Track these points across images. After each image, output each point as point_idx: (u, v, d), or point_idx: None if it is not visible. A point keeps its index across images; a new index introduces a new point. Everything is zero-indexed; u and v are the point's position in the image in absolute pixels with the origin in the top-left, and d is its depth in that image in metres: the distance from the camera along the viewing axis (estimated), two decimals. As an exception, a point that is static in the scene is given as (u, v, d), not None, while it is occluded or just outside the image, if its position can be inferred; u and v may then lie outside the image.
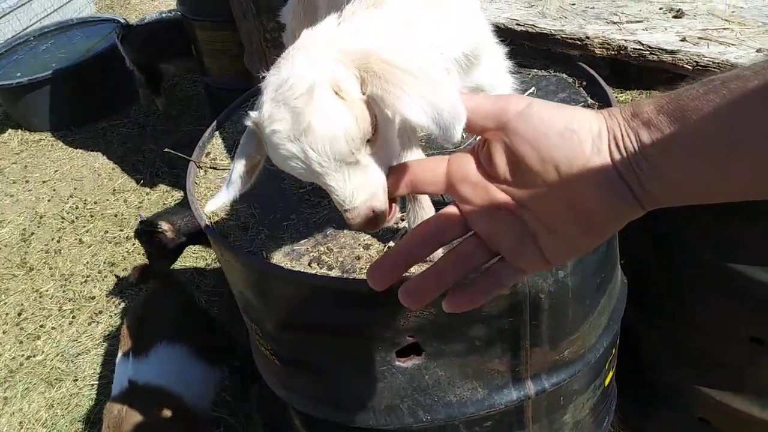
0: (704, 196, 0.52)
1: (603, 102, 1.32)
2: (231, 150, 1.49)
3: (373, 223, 0.72)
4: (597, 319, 1.29)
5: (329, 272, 1.12)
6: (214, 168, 1.45)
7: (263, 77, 0.76)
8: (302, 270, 1.13)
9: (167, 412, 1.85)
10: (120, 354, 2.07)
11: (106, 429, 1.82)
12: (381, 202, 0.71)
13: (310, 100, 0.68)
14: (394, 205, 0.72)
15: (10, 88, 4.26)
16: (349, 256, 1.14)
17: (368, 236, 1.18)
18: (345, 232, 1.20)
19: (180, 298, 2.24)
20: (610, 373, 1.49)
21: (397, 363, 1.19)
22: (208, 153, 1.49)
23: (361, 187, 0.71)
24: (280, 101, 0.70)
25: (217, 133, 1.56)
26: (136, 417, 1.80)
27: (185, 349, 2.04)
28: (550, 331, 1.19)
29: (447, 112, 0.61)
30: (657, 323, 1.71)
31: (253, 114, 0.76)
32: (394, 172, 0.67)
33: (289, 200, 1.30)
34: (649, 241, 1.71)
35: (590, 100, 1.34)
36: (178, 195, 3.51)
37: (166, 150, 1.46)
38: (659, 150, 0.51)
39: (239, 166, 0.81)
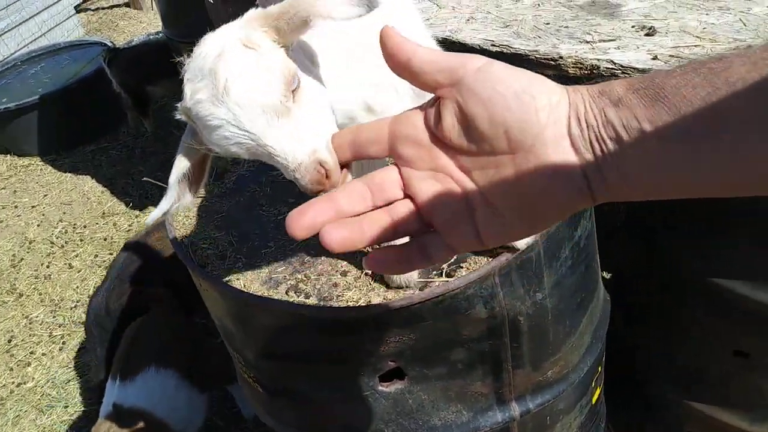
0: (666, 189, 0.48)
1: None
2: (211, 176, 1.49)
3: (322, 181, 0.67)
4: (579, 338, 1.29)
5: (307, 300, 1.11)
6: (199, 197, 1.44)
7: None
8: (280, 299, 1.12)
9: None
10: (109, 377, 2.06)
11: None
12: (326, 153, 0.66)
13: (222, 59, 0.68)
14: (345, 169, 0.67)
15: (-2, 114, 4.26)
16: (327, 283, 1.14)
17: (345, 263, 1.17)
18: (323, 259, 1.20)
19: (172, 321, 2.21)
20: (597, 391, 1.49)
21: (380, 388, 1.19)
22: (188, 181, 1.49)
23: (300, 140, 0.68)
24: (195, 75, 0.70)
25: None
26: None
27: (174, 374, 2.02)
28: (532, 352, 1.19)
29: None
30: (645, 337, 1.71)
31: (180, 104, 0.74)
32: (337, 137, 0.63)
33: (266, 228, 1.30)
34: (638, 254, 1.71)
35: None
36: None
37: (144, 179, 1.46)
38: (627, 130, 0.47)
39: (177, 169, 0.81)
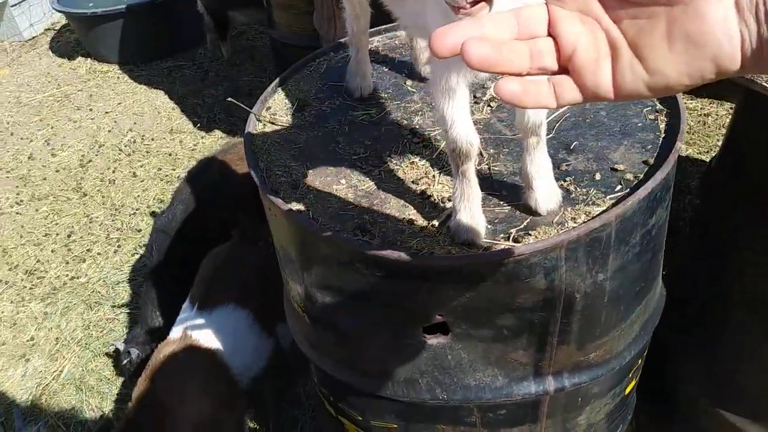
0: None
1: (672, 108, 1.29)
2: (292, 107, 1.51)
3: None
4: (629, 326, 1.28)
5: (372, 241, 1.14)
6: (273, 123, 1.47)
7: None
8: (346, 236, 1.15)
9: (210, 377, 1.87)
10: (189, 297, 2.08)
11: (148, 367, 1.88)
12: None
13: None
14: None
15: (84, 17, 4.37)
16: (393, 228, 1.16)
17: (413, 211, 1.19)
18: (391, 203, 1.21)
19: (260, 258, 2.15)
20: (633, 382, 1.48)
21: (423, 338, 1.22)
22: (269, 108, 1.52)
23: None
24: None
25: (279, 88, 1.59)
26: (176, 371, 1.84)
27: (249, 315, 2.02)
28: (580, 331, 1.19)
29: None
30: (690, 339, 1.69)
31: None
32: None
33: (341, 165, 1.32)
34: (700, 257, 1.68)
35: (659, 105, 1.31)
36: (232, 142, 3.57)
37: (228, 99, 1.49)
38: None
39: None
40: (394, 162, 1.32)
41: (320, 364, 1.41)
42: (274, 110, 1.51)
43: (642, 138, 1.24)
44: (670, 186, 1.21)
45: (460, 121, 1.08)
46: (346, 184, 1.28)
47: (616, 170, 1.18)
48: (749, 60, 0.51)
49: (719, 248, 1.58)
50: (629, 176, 1.16)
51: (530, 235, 1.08)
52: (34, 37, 5.19)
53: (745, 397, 1.53)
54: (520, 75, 0.56)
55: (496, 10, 0.66)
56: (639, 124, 1.27)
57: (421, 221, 1.17)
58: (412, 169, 1.30)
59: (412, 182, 1.26)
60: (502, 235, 1.10)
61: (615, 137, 1.25)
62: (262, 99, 1.51)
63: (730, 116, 2.33)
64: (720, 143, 2.98)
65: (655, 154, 1.19)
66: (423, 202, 1.21)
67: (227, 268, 2.11)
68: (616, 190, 1.14)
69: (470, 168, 1.11)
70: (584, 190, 1.15)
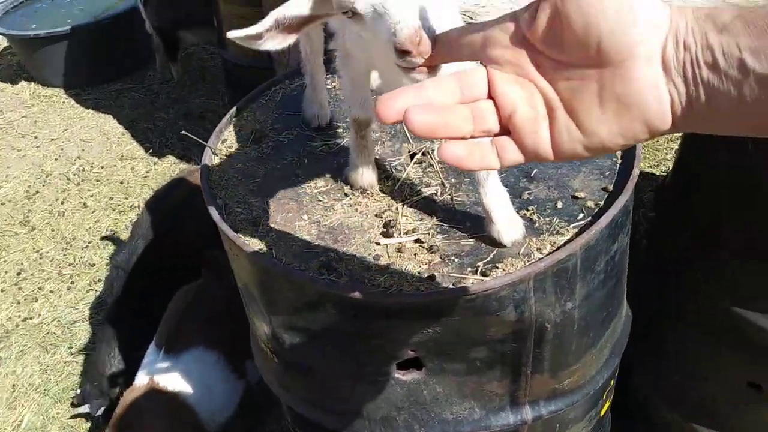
0: (752, 126, 0.49)
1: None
2: (249, 138, 1.47)
3: (414, 43, 0.73)
4: (599, 351, 1.28)
5: (338, 279, 1.11)
6: (229, 156, 1.43)
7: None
8: (311, 276, 1.12)
9: (177, 426, 1.80)
10: (154, 340, 1.98)
11: (115, 415, 1.79)
12: (425, 30, 0.75)
13: None
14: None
15: (26, 40, 4.23)
16: (359, 265, 1.13)
17: (378, 247, 1.16)
18: (356, 239, 1.19)
19: (222, 296, 2.06)
20: (607, 404, 1.49)
21: (397, 375, 1.19)
22: (225, 140, 1.47)
23: (415, 11, 0.78)
24: None
25: (235, 119, 1.54)
26: (141, 421, 1.77)
27: (219, 358, 1.95)
28: (553, 360, 1.19)
29: None
30: (655, 359, 1.70)
31: None
32: (440, 36, 0.68)
33: (302, 200, 1.29)
34: (656, 278, 1.70)
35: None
36: (185, 167, 3.49)
37: (182, 133, 1.44)
38: (726, 58, 0.46)
39: (288, 9, 0.87)
40: (356, 194, 1.29)
41: (292, 404, 1.36)
42: (230, 142, 1.47)
43: (600, 164, 1.24)
44: (629, 211, 1.22)
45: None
46: (308, 219, 1.25)
47: (577, 198, 1.18)
48: (680, 120, 0.52)
49: (671, 265, 1.61)
50: (590, 204, 1.16)
51: (497, 267, 1.07)
52: (-28, 63, 4.98)
53: (718, 414, 1.55)
54: (464, 138, 0.58)
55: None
56: (599, 148, 1.28)
57: (385, 257, 1.14)
58: (374, 201, 1.28)
59: (376, 215, 1.24)
60: (469, 269, 1.09)
61: (574, 164, 1.26)
62: (217, 131, 1.46)
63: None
64: (669, 156, 3.06)
65: (614, 181, 1.20)
66: (388, 235, 1.19)
67: (194, 308, 2.04)
68: (578, 218, 1.14)
69: (369, 133, 1.27)
70: (547, 219, 1.15)
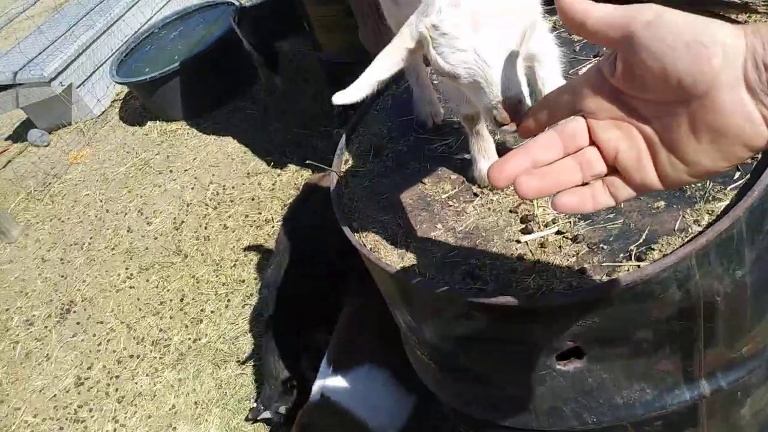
0: None
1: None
2: (369, 154, 1.50)
3: (519, 112, 0.78)
4: (779, 310, 1.18)
5: (485, 287, 1.10)
6: (354, 175, 1.46)
7: None
8: (458, 285, 1.12)
9: None
10: (325, 358, 2.08)
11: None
12: (526, 99, 0.80)
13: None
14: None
15: (143, 84, 4.56)
16: (504, 268, 1.12)
17: (520, 246, 1.14)
18: (495, 241, 1.17)
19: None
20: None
21: (558, 367, 1.17)
22: (347, 161, 1.51)
23: (515, 81, 0.81)
24: (456, 3, 0.81)
25: (352, 137, 1.57)
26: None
27: (388, 375, 1.99)
28: (727, 331, 1.11)
29: None
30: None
31: (427, 19, 0.84)
32: (537, 105, 0.71)
33: (433, 208, 1.29)
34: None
35: None
36: (307, 174, 3.63)
37: (307, 162, 1.50)
38: None
39: (379, 70, 0.89)
40: (486, 192, 1.28)
41: (457, 407, 1.39)
42: (352, 162, 1.50)
43: (751, 111, 1.13)
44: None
45: None
46: (443, 227, 1.25)
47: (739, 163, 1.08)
48: None
49: None
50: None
51: (653, 249, 1.01)
52: (103, 112, 5.47)
53: None
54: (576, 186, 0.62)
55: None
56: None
57: (529, 256, 1.12)
58: (506, 196, 1.25)
59: (510, 211, 1.22)
60: (622, 255, 1.04)
61: (719, 116, 1.15)
62: (338, 153, 1.50)
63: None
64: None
65: (771, 127, 1.08)
66: (528, 231, 1.16)
67: (362, 322, 2.09)
68: (734, 177, 1.04)
69: (483, 127, 1.24)
70: (699, 184, 1.07)
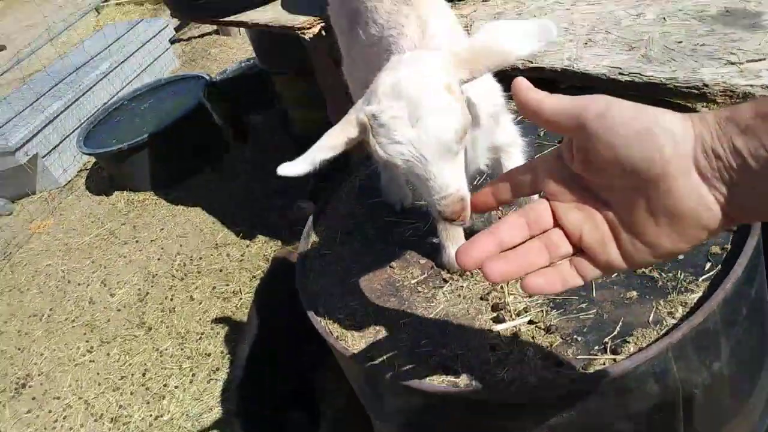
0: None
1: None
2: (337, 236, 1.46)
3: (461, 211, 0.81)
4: (759, 393, 1.16)
5: (457, 379, 1.06)
6: (322, 257, 1.43)
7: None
8: (429, 377, 1.07)
9: None
10: None
11: None
12: (467, 193, 0.82)
13: (428, 92, 0.81)
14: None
15: (111, 155, 4.52)
16: (476, 359, 1.08)
17: (492, 335, 1.11)
18: (466, 330, 1.13)
19: None
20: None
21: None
22: (314, 242, 1.47)
23: (455, 177, 0.82)
24: (398, 93, 0.83)
25: (320, 218, 1.54)
26: None
27: None
28: (707, 421, 1.08)
29: (536, 27, 0.78)
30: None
31: (368, 108, 0.85)
32: (497, 181, 0.70)
33: (402, 294, 1.26)
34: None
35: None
36: (275, 246, 3.57)
37: (275, 255, 1.45)
38: (755, 159, 0.48)
39: (325, 153, 0.90)
40: (456, 277, 1.25)
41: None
42: (320, 243, 1.47)
43: (716, 197, 1.13)
44: (761, 247, 1.10)
45: None
46: (412, 315, 1.21)
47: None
48: (737, 215, 0.53)
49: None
50: (716, 249, 1.05)
51: (628, 342, 0.99)
52: (69, 182, 5.38)
53: None
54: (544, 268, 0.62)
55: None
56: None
57: (503, 346, 1.08)
58: (476, 283, 1.22)
59: (481, 298, 1.19)
60: (596, 347, 1.01)
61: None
62: (305, 235, 1.47)
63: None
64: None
65: (738, 214, 1.08)
66: (499, 319, 1.13)
67: None
68: (706, 269, 1.03)
69: None
70: (670, 274, 1.05)
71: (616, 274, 1.10)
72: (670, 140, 0.52)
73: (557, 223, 0.63)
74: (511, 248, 0.63)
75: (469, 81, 0.85)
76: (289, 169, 0.91)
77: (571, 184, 0.61)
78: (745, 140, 0.48)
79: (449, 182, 0.81)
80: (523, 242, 0.64)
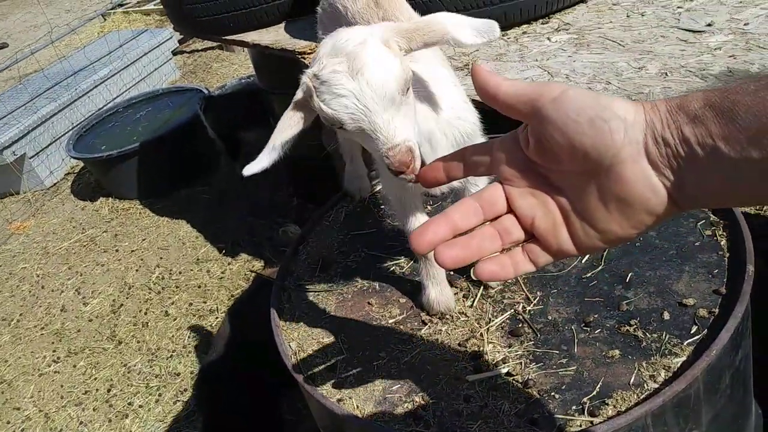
0: (744, 198, 0.52)
1: (728, 219, 1.16)
2: (317, 267, 1.42)
3: (409, 163, 0.80)
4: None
5: (426, 430, 1.01)
6: (299, 288, 1.38)
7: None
8: (397, 425, 1.02)
9: None
10: None
11: None
12: (415, 145, 0.81)
13: (364, 46, 0.83)
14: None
15: (100, 161, 4.46)
16: (448, 409, 1.03)
17: (467, 385, 1.06)
18: (441, 378, 1.09)
19: None
20: None
21: None
22: (292, 272, 1.43)
23: (402, 127, 0.82)
24: (337, 51, 0.84)
25: (300, 248, 1.50)
26: None
27: None
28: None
29: (482, 24, 0.83)
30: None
31: (309, 70, 0.86)
32: (449, 157, 0.69)
33: (378, 333, 1.21)
34: None
35: (713, 217, 1.19)
36: (258, 265, 3.51)
37: (256, 273, 1.41)
38: (702, 148, 0.49)
39: (282, 134, 0.92)
40: (435, 321, 1.21)
41: None
42: (299, 274, 1.42)
43: (704, 261, 1.11)
44: (749, 313, 1.07)
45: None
46: (386, 356, 1.16)
47: (685, 306, 1.05)
48: (683, 203, 0.54)
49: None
50: (703, 312, 1.02)
51: (607, 404, 0.94)
52: (55, 184, 5.31)
53: None
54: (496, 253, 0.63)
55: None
56: (696, 243, 1.14)
57: (476, 398, 1.04)
58: (455, 328, 1.18)
59: (459, 345, 1.14)
60: (574, 407, 0.97)
61: (673, 262, 1.13)
62: (284, 265, 1.42)
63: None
64: None
65: (725, 280, 1.06)
66: (477, 368, 1.09)
67: None
68: (692, 332, 1.00)
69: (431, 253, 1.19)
70: (655, 335, 1.02)
71: (599, 331, 1.07)
72: (621, 127, 0.53)
73: (510, 209, 0.63)
74: (464, 233, 0.63)
75: (407, 52, 0.88)
76: (254, 167, 0.91)
77: (525, 169, 0.61)
78: (693, 129, 0.49)
79: (395, 133, 0.81)
80: (476, 227, 0.64)
